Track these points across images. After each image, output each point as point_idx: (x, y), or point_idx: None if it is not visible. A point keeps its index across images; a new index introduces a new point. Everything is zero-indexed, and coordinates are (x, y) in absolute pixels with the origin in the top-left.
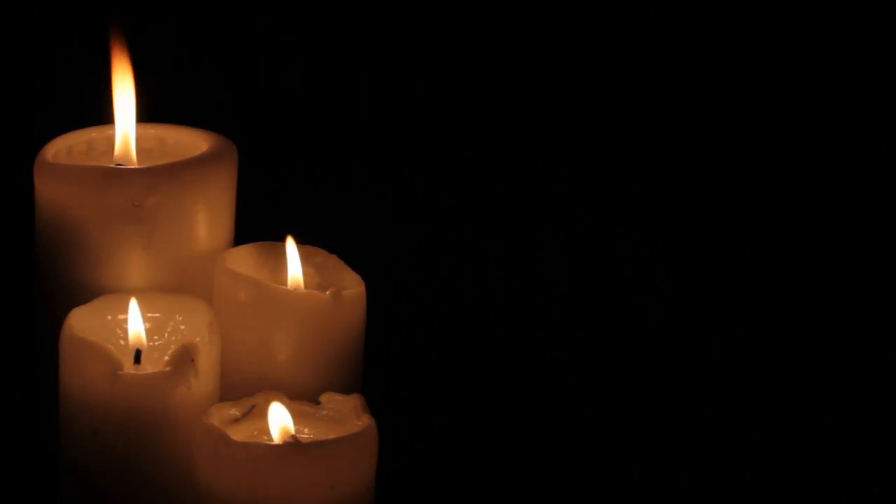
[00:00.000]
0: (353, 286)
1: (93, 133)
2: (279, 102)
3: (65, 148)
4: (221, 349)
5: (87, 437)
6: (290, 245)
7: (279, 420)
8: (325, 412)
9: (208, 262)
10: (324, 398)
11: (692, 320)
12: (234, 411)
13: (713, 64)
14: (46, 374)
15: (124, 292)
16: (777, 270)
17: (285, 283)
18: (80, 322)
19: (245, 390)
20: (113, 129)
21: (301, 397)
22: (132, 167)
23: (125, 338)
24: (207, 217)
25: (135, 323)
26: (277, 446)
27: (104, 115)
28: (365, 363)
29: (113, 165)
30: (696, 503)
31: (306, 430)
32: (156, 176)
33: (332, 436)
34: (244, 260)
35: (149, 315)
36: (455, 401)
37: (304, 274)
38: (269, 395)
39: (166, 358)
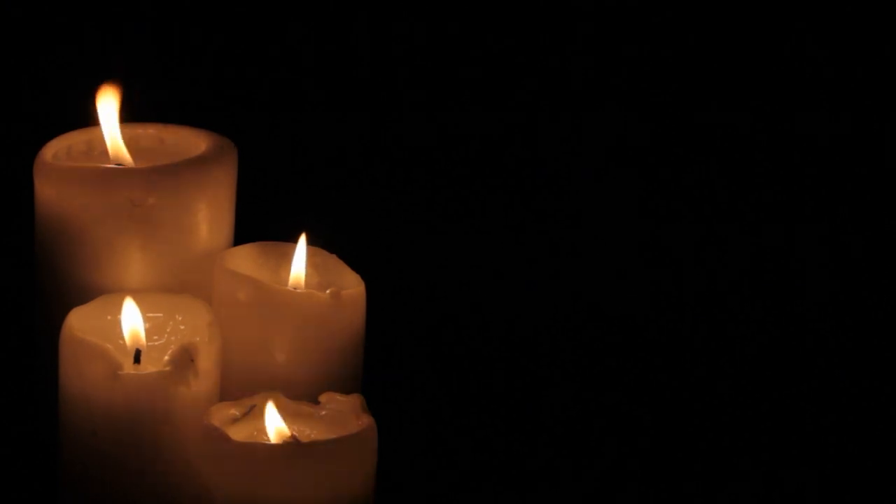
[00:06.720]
0: (353, 286)
1: (93, 133)
2: (280, 102)
3: (65, 148)
4: (221, 349)
5: (87, 437)
6: (301, 244)
7: (273, 422)
8: (324, 412)
9: (208, 262)
10: (324, 398)
11: (691, 320)
12: (234, 411)
13: (712, 63)
14: (46, 374)
15: (124, 292)
16: (777, 269)
17: (285, 283)
18: (80, 322)
19: (245, 390)
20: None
21: (301, 397)
22: (132, 167)
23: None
24: (207, 217)
25: (129, 322)
26: (277, 446)
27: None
28: (365, 363)
29: (112, 165)
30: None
31: (306, 430)
32: (156, 176)
33: (332, 436)
34: (244, 260)
35: (149, 315)
36: (455, 401)
37: (304, 274)
38: (269, 395)
39: (166, 358)
